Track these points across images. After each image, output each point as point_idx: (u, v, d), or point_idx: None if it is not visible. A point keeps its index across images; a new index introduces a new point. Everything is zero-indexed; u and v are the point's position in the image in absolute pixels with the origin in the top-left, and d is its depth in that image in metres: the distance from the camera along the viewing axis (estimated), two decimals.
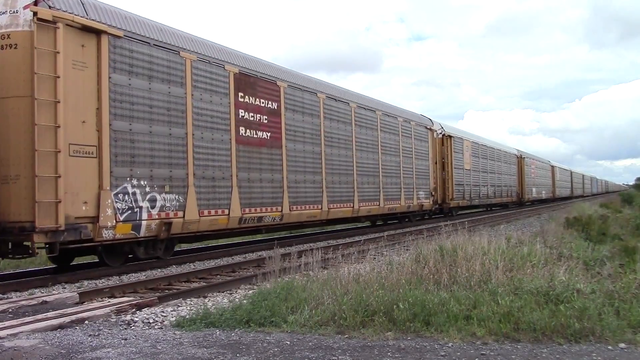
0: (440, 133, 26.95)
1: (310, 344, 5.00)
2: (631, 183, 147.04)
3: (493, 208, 39.18)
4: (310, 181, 15.54)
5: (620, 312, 5.47)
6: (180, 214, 10.96)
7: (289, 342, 5.05)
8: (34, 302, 7.08)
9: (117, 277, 10.00)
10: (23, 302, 7.03)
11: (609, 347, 4.75)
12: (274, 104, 14.15)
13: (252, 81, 13.38)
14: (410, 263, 7.39)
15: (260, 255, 11.93)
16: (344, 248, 10.83)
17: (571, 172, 74.10)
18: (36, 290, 8.59)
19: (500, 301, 5.55)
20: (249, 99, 13.24)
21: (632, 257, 8.56)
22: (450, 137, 27.67)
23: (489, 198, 34.27)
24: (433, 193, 24.93)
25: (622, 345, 4.80)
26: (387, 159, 20.64)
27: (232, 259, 12.52)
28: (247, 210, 12.81)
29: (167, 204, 10.71)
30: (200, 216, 11.47)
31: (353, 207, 17.79)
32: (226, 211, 12.19)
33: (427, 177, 24.59)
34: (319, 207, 15.84)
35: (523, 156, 44.66)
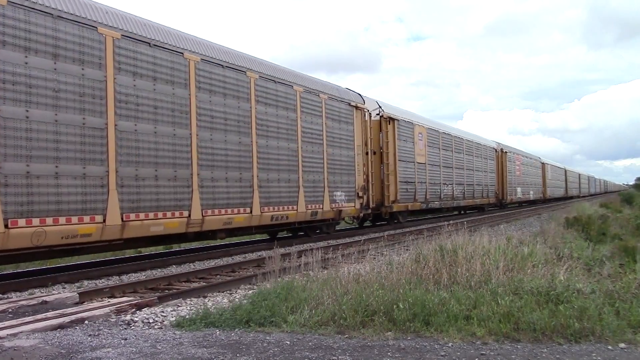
0: (377, 114, 20.08)
1: (310, 344, 5.00)
2: (631, 183, 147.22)
3: (468, 212, 32.76)
4: (83, 175, 9.16)
5: (620, 312, 5.47)
6: None
7: (289, 342, 5.05)
8: (33, 302, 7.07)
9: (117, 277, 10.00)
10: (23, 302, 7.02)
11: (609, 347, 4.75)
12: None
13: None
14: (410, 263, 7.40)
15: (260, 255, 11.94)
16: (344, 248, 10.84)
17: (565, 170, 66.81)
18: (36, 290, 8.58)
19: (500, 301, 5.55)
20: None
21: (632, 257, 8.58)
22: (392, 119, 20.67)
23: (455, 200, 27.48)
24: (361, 193, 18.02)
25: (622, 345, 4.80)
26: (270, 144, 13.78)
27: (232, 258, 12.52)
28: None
29: None
30: None
31: (189, 217, 11.09)
32: None
33: (351, 171, 17.65)
34: (99, 218, 9.33)
35: (504, 150, 37.45)
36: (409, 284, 6.26)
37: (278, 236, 16.54)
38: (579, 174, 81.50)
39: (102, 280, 9.75)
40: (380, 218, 21.28)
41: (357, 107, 18.52)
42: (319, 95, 16.21)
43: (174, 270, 10.82)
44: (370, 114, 19.48)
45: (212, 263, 11.78)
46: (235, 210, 12.53)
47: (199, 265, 11.47)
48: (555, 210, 31.71)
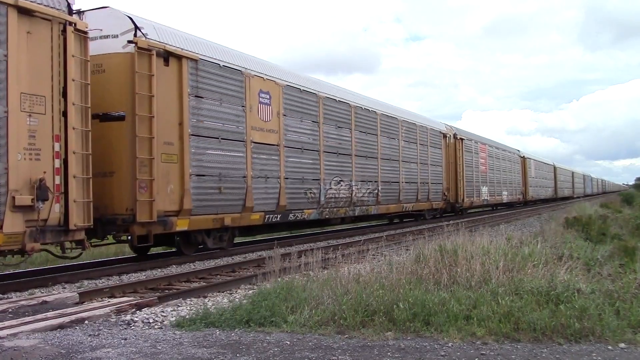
0: (129, 41, 10.21)
1: (310, 344, 5.00)
2: (631, 183, 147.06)
3: (405, 220, 23.44)
4: None
5: (620, 312, 5.47)
6: None
7: (289, 342, 5.05)
8: (34, 302, 7.08)
9: (117, 277, 9.99)
10: (23, 302, 7.02)
11: (609, 347, 4.76)
12: None
13: None
14: (410, 263, 7.40)
15: (260, 255, 11.93)
16: (344, 248, 10.84)
17: (554, 167, 56.72)
18: (36, 290, 8.58)
19: (500, 301, 5.55)
20: None
21: (632, 257, 8.58)
22: (172, 56, 10.85)
23: (358, 205, 17.67)
24: (34, 203, 7.91)
25: (622, 345, 4.81)
26: None
27: (232, 259, 12.51)
28: None
29: None
30: None
31: None
32: None
33: None
34: None
35: (460, 136, 27.35)
36: (409, 284, 6.26)
37: None
38: (572, 172, 72.24)
39: (102, 280, 9.74)
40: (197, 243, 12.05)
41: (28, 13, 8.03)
42: None
43: (174, 270, 10.81)
44: (79, 32, 8.83)
45: (212, 263, 11.77)
46: None
47: (199, 265, 11.46)
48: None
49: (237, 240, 16.08)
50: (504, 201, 36.16)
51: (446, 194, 25.31)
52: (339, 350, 4.78)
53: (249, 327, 5.62)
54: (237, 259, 12.49)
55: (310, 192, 15.25)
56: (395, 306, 5.54)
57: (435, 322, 5.33)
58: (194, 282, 9.47)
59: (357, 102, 18.24)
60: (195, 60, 11.41)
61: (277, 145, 13.82)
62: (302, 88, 15.14)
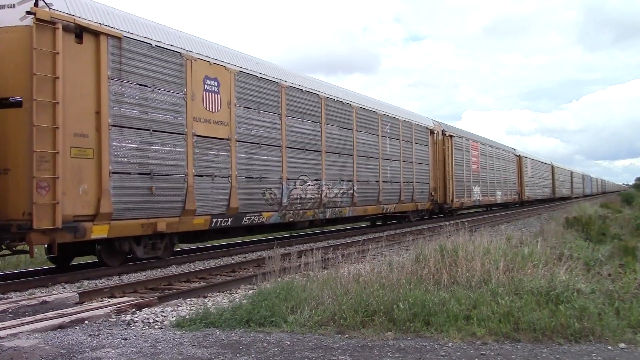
0: (26, 10, 8.47)
1: (310, 344, 5.00)
2: (631, 183, 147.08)
3: (388, 223, 21.73)
4: None
5: (620, 312, 5.48)
6: None
7: (289, 342, 5.05)
8: (34, 302, 7.08)
9: (117, 277, 9.99)
10: (23, 302, 7.03)
11: (609, 347, 4.76)
12: None
13: None
14: (410, 263, 7.40)
15: (260, 255, 11.94)
16: (344, 248, 10.85)
17: (552, 166, 54.92)
18: (36, 290, 8.58)
19: (500, 301, 5.56)
20: None
21: (632, 257, 8.59)
22: (88, 33, 9.12)
23: (329, 206, 15.89)
24: None
25: (622, 345, 4.81)
26: None
27: (232, 259, 12.52)
28: None
29: None
30: None
31: None
32: None
33: None
34: None
35: (449, 132, 26.12)
36: (409, 284, 6.27)
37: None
38: (571, 172, 70.03)
39: (102, 280, 9.74)
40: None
41: None
42: None
43: (174, 270, 10.82)
44: None
45: (212, 263, 11.77)
46: None
47: (199, 265, 11.47)
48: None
49: (237, 240, 16.18)
50: (498, 202, 34.42)
51: (433, 194, 23.80)
52: (339, 350, 4.78)
53: (249, 327, 5.62)
54: (237, 259, 12.50)
55: (270, 193, 13.46)
56: (395, 306, 5.55)
57: (435, 322, 5.33)
58: (194, 282, 9.47)
59: (327, 94, 16.22)
60: (118, 38, 9.63)
61: (227, 140, 11.99)
62: (259, 75, 13.17)
